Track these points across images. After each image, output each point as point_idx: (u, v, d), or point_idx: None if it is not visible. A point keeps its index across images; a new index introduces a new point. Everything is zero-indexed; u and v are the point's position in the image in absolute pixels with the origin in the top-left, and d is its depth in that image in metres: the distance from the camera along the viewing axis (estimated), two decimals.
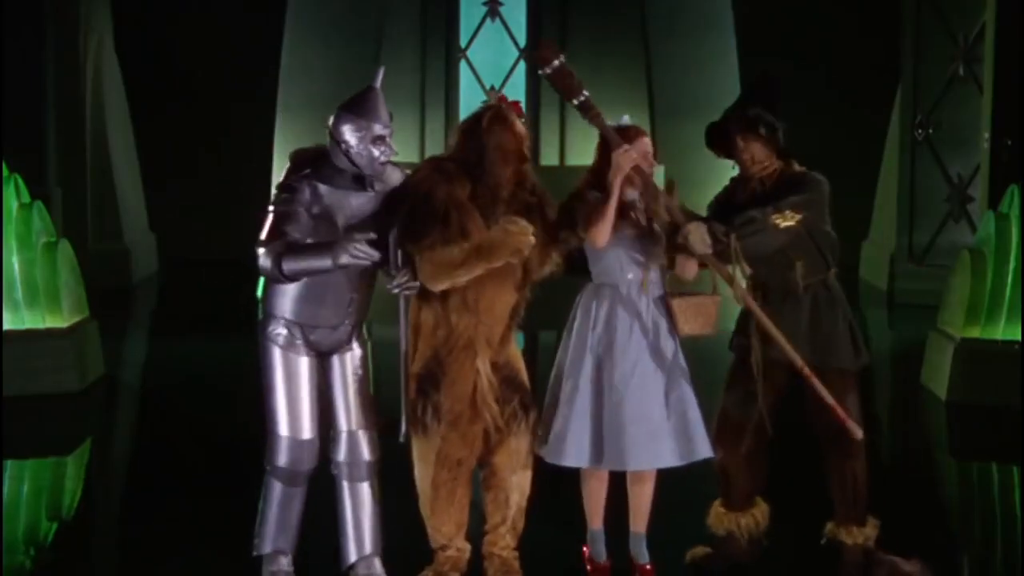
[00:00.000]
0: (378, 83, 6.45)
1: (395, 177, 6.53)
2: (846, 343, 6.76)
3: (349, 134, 6.37)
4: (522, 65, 19.05)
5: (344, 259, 6.14)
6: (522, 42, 19.07)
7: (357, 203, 6.42)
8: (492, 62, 18.98)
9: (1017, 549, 7.67)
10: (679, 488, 7.09)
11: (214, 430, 10.06)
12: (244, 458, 8.73)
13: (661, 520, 6.95)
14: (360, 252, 6.14)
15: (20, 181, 11.06)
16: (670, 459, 6.53)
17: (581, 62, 19.00)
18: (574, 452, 6.53)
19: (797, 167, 6.82)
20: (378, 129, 6.37)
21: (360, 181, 6.43)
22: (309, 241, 6.31)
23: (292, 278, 6.32)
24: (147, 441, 10.18)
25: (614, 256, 6.62)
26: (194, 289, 15.81)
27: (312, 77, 17.72)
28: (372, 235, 6.25)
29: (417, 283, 6.32)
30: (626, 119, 6.74)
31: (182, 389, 10.97)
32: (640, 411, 6.48)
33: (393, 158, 6.66)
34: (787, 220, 6.55)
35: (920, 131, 15.12)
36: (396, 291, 6.33)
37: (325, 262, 6.17)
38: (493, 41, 19.13)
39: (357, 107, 6.42)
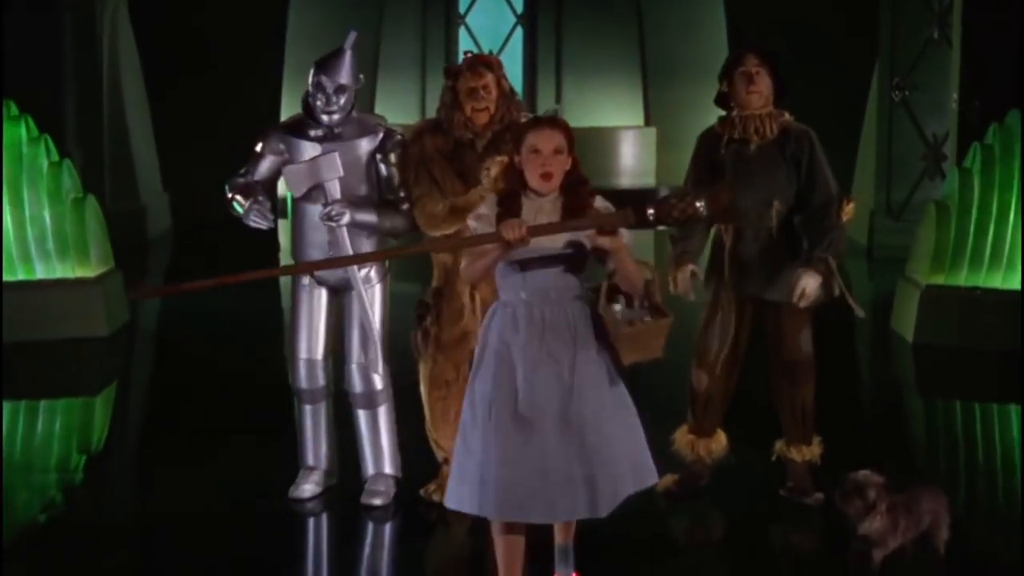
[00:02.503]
0: (347, 45, 6.96)
1: (367, 137, 7.00)
2: None
3: (309, 80, 6.93)
4: (519, 31, 19.35)
5: (247, 219, 6.84)
6: (519, 8, 19.37)
7: (310, 155, 6.92)
8: (491, 28, 19.16)
9: (978, 480, 8.04)
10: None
11: (228, 372, 10.31)
12: (255, 395, 9.37)
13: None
14: (255, 218, 6.82)
15: (50, 141, 11.27)
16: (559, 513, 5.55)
17: (576, 27, 19.39)
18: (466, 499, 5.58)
19: (787, 115, 7.06)
20: (322, 78, 6.87)
21: (319, 137, 6.96)
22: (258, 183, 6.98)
23: (235, 213, 6.92)
24: (168, 382, 10.43)
25: (514, 259, 5.56)
26: (206, 244, 15.66)
27: (316, 43, 17.31)
28: (267, 205, 6.82)
29: (345, 217, 6.76)
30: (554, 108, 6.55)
31: (199, 335, 11.17)
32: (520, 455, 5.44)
33: (392, 120, 7.25)
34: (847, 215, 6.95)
35: (897, 93, 15.20)
36: (324, 221, 6.81)
37: (242, 213, 6.87)
38: (492, 8, 19.36)
39: (319, 60, 6.98)
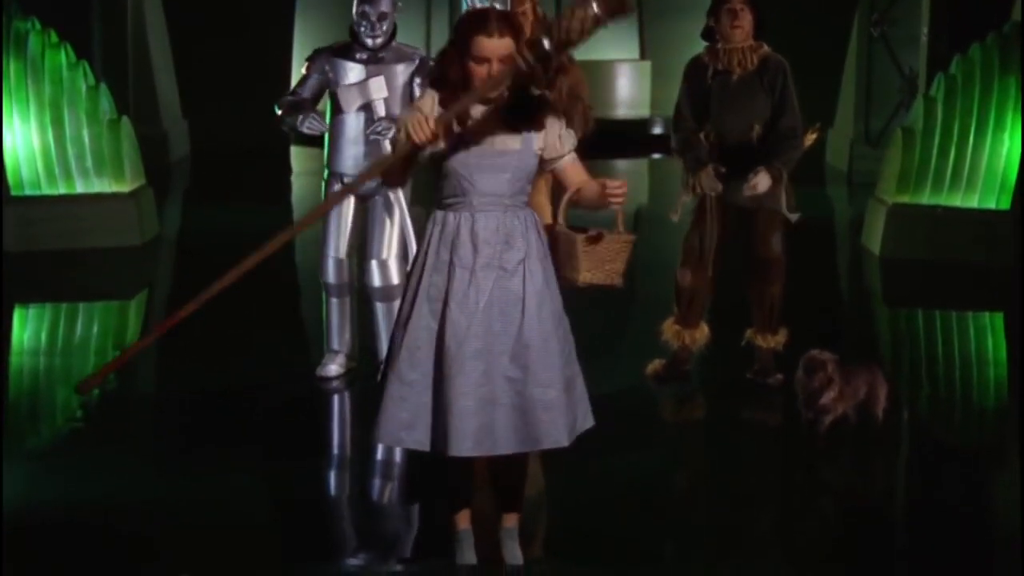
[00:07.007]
0: None
1: (405, 63, 7.73)
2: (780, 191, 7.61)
3: (354, 11, 7.70)
4: None
5: (302, 127, 7.62)
6: None
7: (355, 76, 7.70)
8: None
9: (939, 380, 8.61)
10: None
11: (249, 276, 10.86)
12: (274, 298, 9.93)
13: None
14: (309, 125, 7.62)
15: (87, 67, 11.76)
16: (504, 446, 4.93)
17: None
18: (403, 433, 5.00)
19: (766, 47, 7.64)
20: (367, 8, 7.65)
21: (364, 60, 7.70)
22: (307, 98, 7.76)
23: (287, 126, 7.73)
24: (195, 286, 10.71)
25: (459, 163, 4.95)
26: (223, 168, 16.13)
27: None
28: (318, 115, 7.59)
29: (391, 132, 7.44)
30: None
31: (221, 246, 11.17)
32: (472, 382, 4.89)
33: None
34: (809, 140, 7.68)
35: (876, 29, 15.48)
36: (371, 136, 7.59)
37: (296, 123, 7.64)
38: None
39: None
